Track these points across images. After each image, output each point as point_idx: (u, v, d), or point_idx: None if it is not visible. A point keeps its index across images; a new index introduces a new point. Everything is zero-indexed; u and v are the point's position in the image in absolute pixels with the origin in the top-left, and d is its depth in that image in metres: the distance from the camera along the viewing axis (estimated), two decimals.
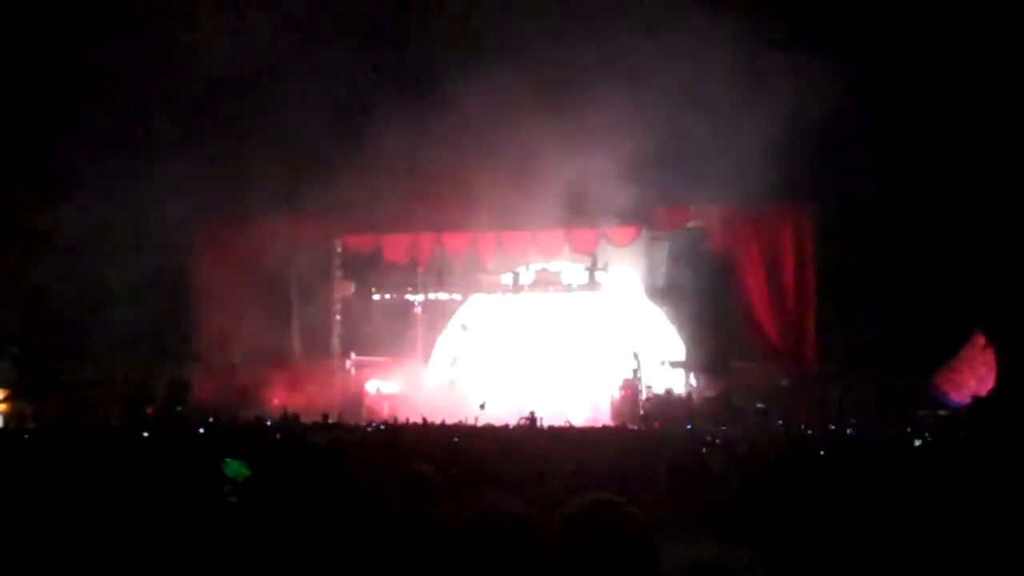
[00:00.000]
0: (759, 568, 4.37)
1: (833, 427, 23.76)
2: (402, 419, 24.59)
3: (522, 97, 25.24)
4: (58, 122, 26.56)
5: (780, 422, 25.54)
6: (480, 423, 22.74)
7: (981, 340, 27.04)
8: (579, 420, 25.80)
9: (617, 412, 28.40)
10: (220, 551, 6.14)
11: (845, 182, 23.97)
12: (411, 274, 32.91)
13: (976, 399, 25.78)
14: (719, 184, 26.22)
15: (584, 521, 3.92)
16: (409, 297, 33.10)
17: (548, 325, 32.13)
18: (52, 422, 24.56)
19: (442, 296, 33.29)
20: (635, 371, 29.24)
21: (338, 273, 33.09)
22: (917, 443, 17.07)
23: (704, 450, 12.98)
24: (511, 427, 22.31)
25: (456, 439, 16.58)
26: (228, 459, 8.77)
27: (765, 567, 4.44)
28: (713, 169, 25.41)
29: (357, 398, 31.10)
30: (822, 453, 14.17)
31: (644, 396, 29.15)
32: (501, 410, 26.52)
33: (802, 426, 24.26)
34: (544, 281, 32.48)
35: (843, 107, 23.47)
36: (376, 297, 33.13)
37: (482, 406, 26.97)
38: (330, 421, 23.72)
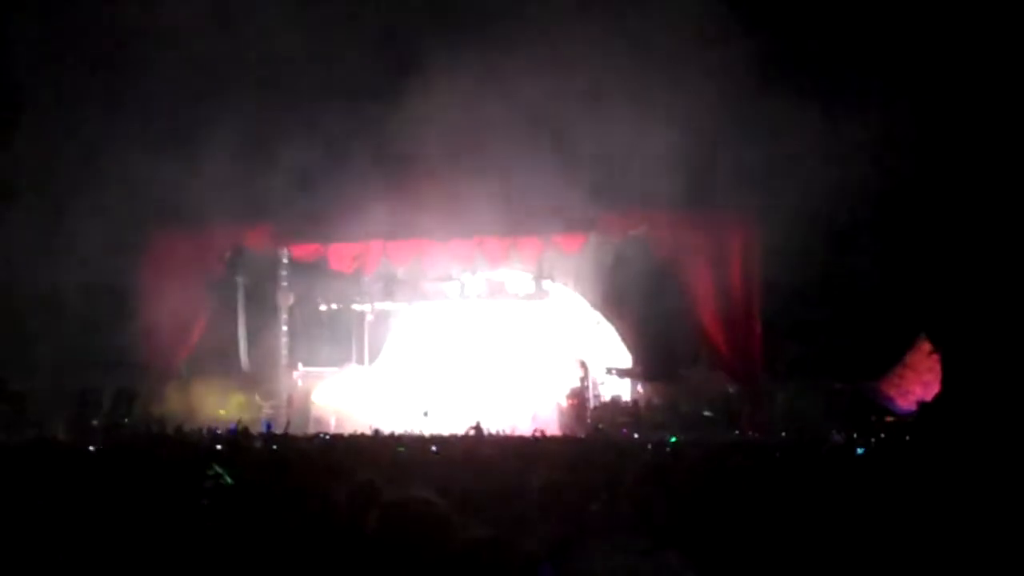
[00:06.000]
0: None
1: (784, 433, 23.86)
2: (350, 430, 24.53)
3: (469, 104, 25.25)
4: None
5: (734, 430, 25.72)
6: (426, 434, 22.70)
7: (927, 346, 27.23)
8: (526, 429, 25.75)
9: (565, 421, 28.42)
10: (172, 563, 6.09)
11: (790, 188, 24.05)
12: (357, 283, 32.72)
13: (922, 404, 25.96)
14: (665, 190, 26.27)
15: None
16: (356, 307, 32.90)
17: (494, 334, 32.05)
18: None
19: (388, 305, 33.12)
20: (582, 379, 29.29)
21: (284, 283, 32.87)
22: (860, 451, 17.13)
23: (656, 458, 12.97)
24: (458, 437, 22.26)
25: (402, 449, 16.53)
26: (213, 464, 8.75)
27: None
28: (660, 175, 25.45)
29: (305, 409, 30.99)
30: (777, 457, 14.18)
31: (592, 405, 29.21)
32: (447, 420, 26.46)
33: (751, 432, 24.37)
34: (490, 290, 32.40)
35: (789, 113, 23.58)
36: (323, 307, 32.92)
37: (425, 414, 26.97)
38: (277, 432, 23.58)
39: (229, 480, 8.53)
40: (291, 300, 32.90)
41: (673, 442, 24.17)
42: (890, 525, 6.67)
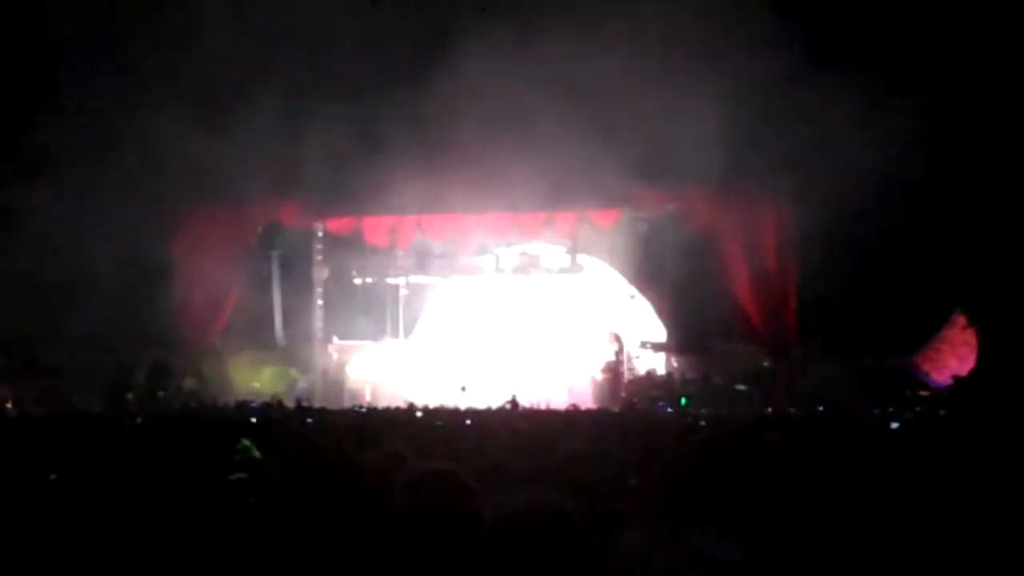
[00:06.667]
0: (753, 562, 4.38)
1: (821, 408, 23.77)
2: (384, 403, 24.62)
3: (504, 78, 25.19)
4: (35, 102, 26.39)
5: (768, 405, 25.65)
6: (461, 407, 22.73)
7: (962, 320, 27.12)
8: (561, 403, 25.73)
9: (600, 395, 28.44)
10: (212, 540, 6.09)
11: (826, 162, 23.96)
12: (392, 257, 32.70)
13: (957, 379, 25.86)
14: (700, 165, 26.18)
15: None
16: (391, 280, 32.91)
17: (529, 308, 32.01)
18: (31, 408, 24.44)
19: (423, 279, 33.13)
20: (617, 353, 29.25)
21: (319, 257, 32.92)
22: (895, 425, 17.07)
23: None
24: (494, 410, 22.28)
25: (439, 423, 16.55)
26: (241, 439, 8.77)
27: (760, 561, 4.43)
28: (695, 150, 25.36)
29: (340, 382, 31.07)
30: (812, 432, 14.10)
31: (626, 379, 29.19)
32: (484, 394, 26.53)
33: (791, 408, 24.28)
34: (525, 264, 32.36)
35: (827, 91, 23.49)
36: (357, 281, 32.94)
37: (463, 389, 27.00)
38: (313, 406, 23.67)
39: (258, 454, 8.56)
40: (326, 274, 32.96)
41: (684, 404, 24.26)
42: (925, 500, 6.62)
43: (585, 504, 5.43)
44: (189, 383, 29.23)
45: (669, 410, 25.01)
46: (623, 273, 31.51)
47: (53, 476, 7.86)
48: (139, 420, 17.53)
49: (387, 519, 4.76)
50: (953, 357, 27.06)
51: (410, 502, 4.49)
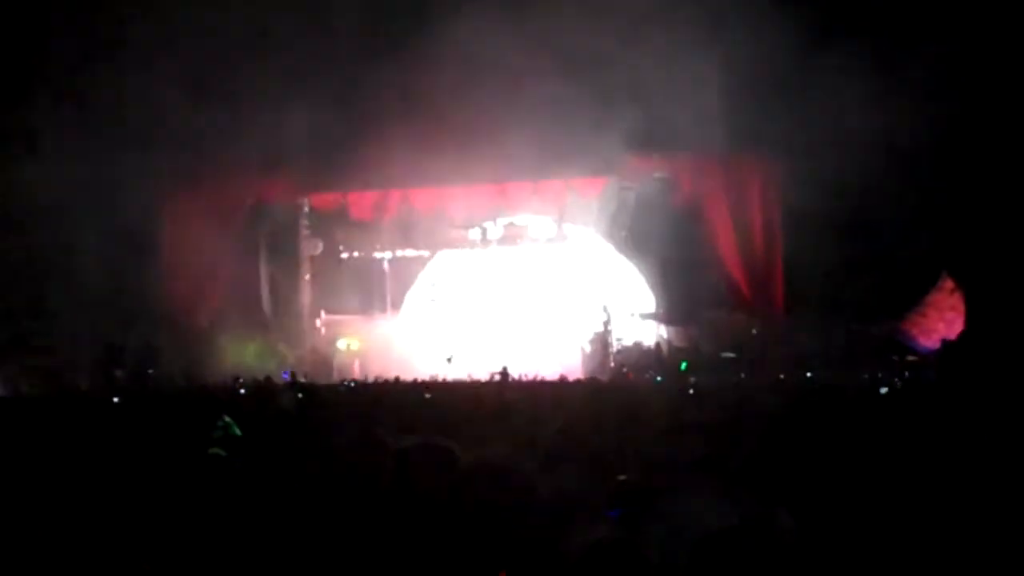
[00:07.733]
0: (791, 529, 4.34)
1: (810, 374, 23.80)
2: (373, 376, 24.62)
3: (489, 48, 25.09)
4: (19, 78, 26.25)
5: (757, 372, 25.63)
6: (451, 379, 22.74)
7: (949, 284, 27.14)
8: (550, 374, 25.72)
9: (589, 365, 28.43)
10: (201, 518, 6.09)
11: (813, 129, 23.93)
12: (378, 231, 32.63)
13: (945, 343, 25.88)
14: (687, 133, 26.14)
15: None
16: (377, 255, 32.86)
17: (517, 279, 32.00)
18: (17, 387, 24.41)
19: (410, 253, 33.07)
20: (605, 324, 29.24)
21: (306, 232, 32.87)
22: (884, 390, 17.10)
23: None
24: (484, 382, 22.28)
25: (428, 395, 16.53)
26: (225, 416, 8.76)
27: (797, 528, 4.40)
28: (681, 118, 25.32)
29: (327, 357, 31.03)
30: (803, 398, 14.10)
31: (615, 349, 29.18)
32: (472, 366, 26.51)
33: (781, 376, 24.27)
34: (512, 235, 32.32)
35: (809, 52, 23.44)
36: (344, 255, 32.90)
37: (449, 360, 26.96)
38: (301, 381, 23.62)
39: (238, 432, 8.56)
40: (319, 249, 32.92)
41: (683, 369, 24.17)
42: (915, 463, 6.64)
43: (584, 473, 5.42)
44: (178, 361, 29.13)
45: (659, 379, 24.97)
46: (611, 242, 31.48)
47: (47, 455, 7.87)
48: (128, 398, 17.52)
49: (376, 493, 4.74)
50: (941, 321, 27.08)
51: (399, 475, 4.47)
